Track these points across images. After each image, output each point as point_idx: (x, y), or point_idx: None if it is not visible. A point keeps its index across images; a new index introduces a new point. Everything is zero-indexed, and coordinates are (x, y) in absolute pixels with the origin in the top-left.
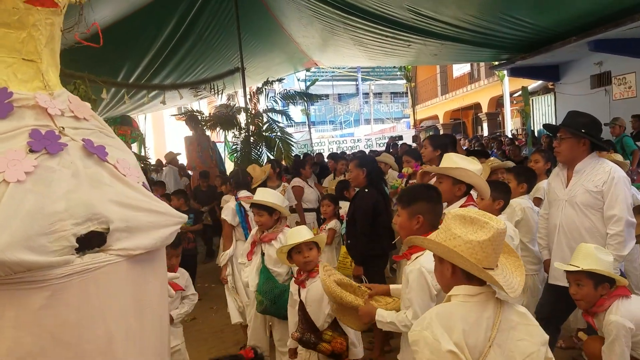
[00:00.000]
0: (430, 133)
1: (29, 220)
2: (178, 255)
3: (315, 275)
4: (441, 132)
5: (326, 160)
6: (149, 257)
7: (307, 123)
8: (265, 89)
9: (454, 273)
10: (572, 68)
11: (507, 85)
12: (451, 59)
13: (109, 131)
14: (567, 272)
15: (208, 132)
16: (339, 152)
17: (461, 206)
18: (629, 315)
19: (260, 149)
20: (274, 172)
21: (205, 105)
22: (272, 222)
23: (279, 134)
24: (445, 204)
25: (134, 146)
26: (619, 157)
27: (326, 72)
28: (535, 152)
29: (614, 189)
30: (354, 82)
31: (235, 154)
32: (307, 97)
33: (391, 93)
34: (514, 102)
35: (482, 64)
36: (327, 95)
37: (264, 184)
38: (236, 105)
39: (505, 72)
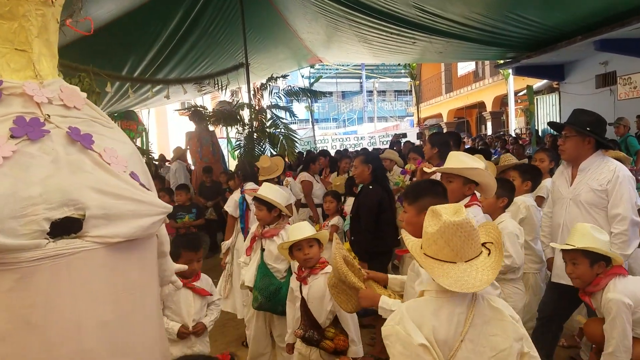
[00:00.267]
0: (434, 131)
1: (1, 203)
2: (199, 260)
3: (317, 272)
4: (445, 131)
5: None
6: (132, 246)
7: (310, 120)
8: (269, 85)
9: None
10: (577, 67)
11: (512, 84)
12: (456, 57)
13: (105, 121)
14: (563, 251)
15: (212, 128)
16: (341, 149)
17: (466, 205)
18: (626, 293)
19: (264, 145)
20: None
21: (208, 101)
22: (270, 218)
23: (282, 130)
24: None
25: (137, 141)
26: (621, 153)
27: (330, 69)
28: (540, 150)
29: (619, 188)
30: (358, 80)
31: (238, 150)
32: (311, 94)
33: (395, 91)
34: (519, 101)
35: (486, 62)
36: (330, 93)
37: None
38: (240, 101)
39: (510, 70)
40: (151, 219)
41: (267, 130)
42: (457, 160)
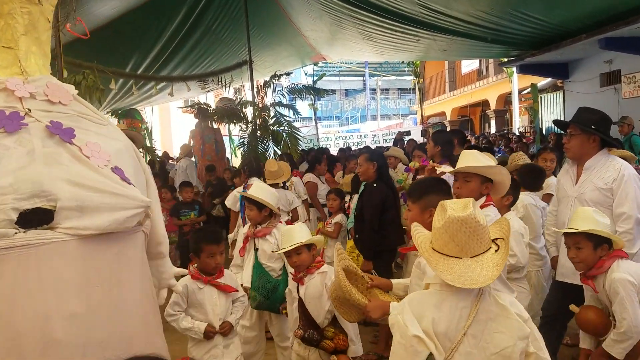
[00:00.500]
0: (437, 129)
1: None
2: (222, 253)
3: (314, 272)
4: (448, 129)
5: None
6: (110, 240)
7: (313, 118)
8: (272, 82)
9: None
10: (581, 66)
11: (516, 82)
12: (460, 55)
13: (97, 118)
14: (566, 235)
15: (215, 126)
16: (344, 147)
17: (481, 206)
18: (630, 272)
19: (267, 143)
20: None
21: (212, 99)
22: (261, 217)
23: (286, 128)
24: None
25: None
26: (627, 152)
27: (334, 67)
28: (548, 150)
29: (624, 187)
30: (361, 78)
31: (242, 147)
32: (314, 92)
33: (398, 89)
34: (523, 99)
35: (490, 60)
36: (334, 91)
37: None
38: (243, 99)
39: (514, 69)
40: (127, 212)
41: (271, 127)
42: (474, 158)
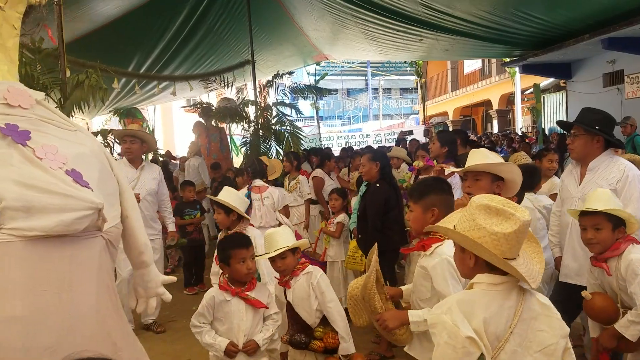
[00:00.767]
0: (439, 129)
1: None
2: (253, 258)
3: (299, 273)
4: (450, 129)
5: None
6: (63, 243)
7: (315, 117)
8: (275, 82)
9: (476, 263)
10: (584, 66)
11: (519, 82)
12: (463, 55)
13: (63, 123)
14: (584, 216)
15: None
16: (346, 147)
17: None
18: None
19: (269, 142)
20: (291, 165)
21: (214, 98)
22: (229, 222)
23: (288, 127)
24: None
25: None
26: (637, 157)
27: (336, 66)
28: (552, 151)
29: (628, 188)
30: (363, 77)
31: (244, 147)
32: (316, 91)
33: (400, 89)
34: (525, 99)
35: (493, 60)
36: (336, 90)
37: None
38: (245, 98)
39: (516, 69)
40: (76, 213)
41: (273, 127)
42: (484, 157)
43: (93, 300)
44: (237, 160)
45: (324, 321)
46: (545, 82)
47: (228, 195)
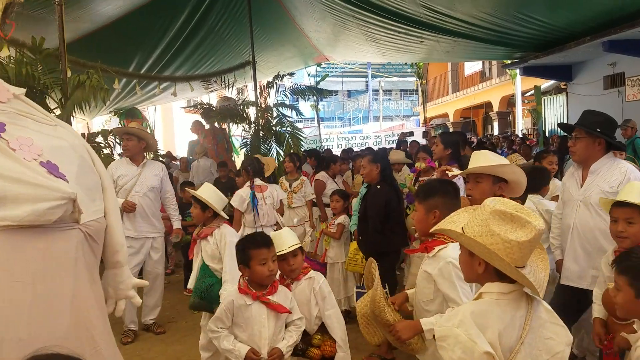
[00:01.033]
0: (440, 131)
1: None
2: (274, 259)
3: (301, 278)
4: (451, 130)
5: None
6: (36, 233)
7: (316, 118)
8: (275, 83)
9: (485, 269)
10: (585, 68)
11: (520, 84)
12: (464, 57)
13: (42, 118)
14: (617, 207)
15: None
16: (347, 148)
17: None
18: None
19: (270, 143)
20: (294, 166)
21: (214, 99)
22: (204, 217)
23: (288, 128)
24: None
25: None
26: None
27: (336, 67)
28: (550, 153)
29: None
30: (364, 79)
31: (245, 148)
32: (317, 92)
33: (401, 90)
34: (526, 101)
35: (494, 62)
36: (336, 91)
37: (273, 175)
38: (246, 99)
39: (517, 71)
40: (48, 203)
41: (273, 128)
42: (485, 158)
43: (69, 293)
44: (237, 162)
45: (322, 328)
46: (545, 84)
47: (207, 192)
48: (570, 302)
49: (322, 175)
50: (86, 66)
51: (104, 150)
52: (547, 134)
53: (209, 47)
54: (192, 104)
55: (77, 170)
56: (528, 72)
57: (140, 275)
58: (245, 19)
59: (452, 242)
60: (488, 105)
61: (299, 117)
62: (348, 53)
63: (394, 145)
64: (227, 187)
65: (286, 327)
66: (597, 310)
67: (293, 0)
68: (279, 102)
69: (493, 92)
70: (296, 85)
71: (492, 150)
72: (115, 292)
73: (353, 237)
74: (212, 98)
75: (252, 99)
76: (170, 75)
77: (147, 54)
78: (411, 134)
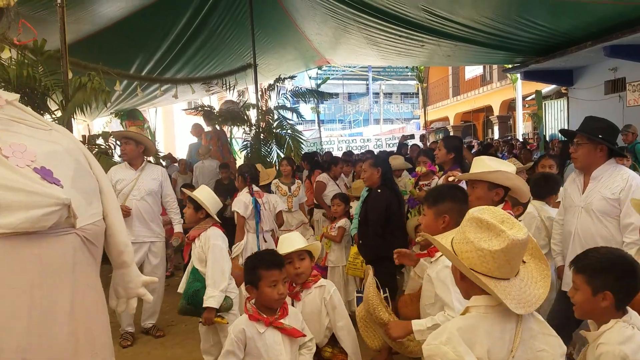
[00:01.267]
0: (440, 134)
1: None
2: (285, 282)
3: (311, 286)
4: (451, 134)
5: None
6: (30, 240)
7: (316, 121)
8: (276, 85)
9: (462, 278)
10: (586, 73)
11: (520, 88)
12: (464, 61)
13: (37, 123)
14: None
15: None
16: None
17: None
18: None
19: (271, 146)
20: (292, 170)
21: (215, 101)
22: (195, 218)
23: (289, 131)
24: None
25: None
26: None
27: (337, 70)
28: (548, 157)
29: (632, 197)
30: (365, 82)
31: (245, 150)
32: (317, 95)
33: (401, 93)
34: (526, 105)
35: (494, 66)
36: (337, 94)
37: (268, 185)
38: (247, 101)
39: (518, 75)
40: (42, 210)
41: (274, 130)
42: (482, 164)
43: (67, 299)
44: (239, 163)
45: (333, 340)
46: (546, 88)
47: (202, 194)
48: (571, 309)
49: (323, 176)
50: (88, 68)
51: (107, 152)
52: (547, 139)
53: (210, 49)
54: (193, 106)
55: (73, 174)
56: (529, 76)
57: None
58: (246, 22)
59: None
60: (488, 109)
61: (300, 119)
62: (349, 56)
63: (394, 149)
64: (229, 189)
65: (299, 349)
66: None
67: (295, 3)
68: (280, 104)
69: (493, 96)
70: (297, 88)
71: (492, 154)
72: (125, 291)
73: (353, 241)
74: (213, 100)
75: (253, 101)
76: (171, 78)
77: (148, 56)
78: (412, 136)
